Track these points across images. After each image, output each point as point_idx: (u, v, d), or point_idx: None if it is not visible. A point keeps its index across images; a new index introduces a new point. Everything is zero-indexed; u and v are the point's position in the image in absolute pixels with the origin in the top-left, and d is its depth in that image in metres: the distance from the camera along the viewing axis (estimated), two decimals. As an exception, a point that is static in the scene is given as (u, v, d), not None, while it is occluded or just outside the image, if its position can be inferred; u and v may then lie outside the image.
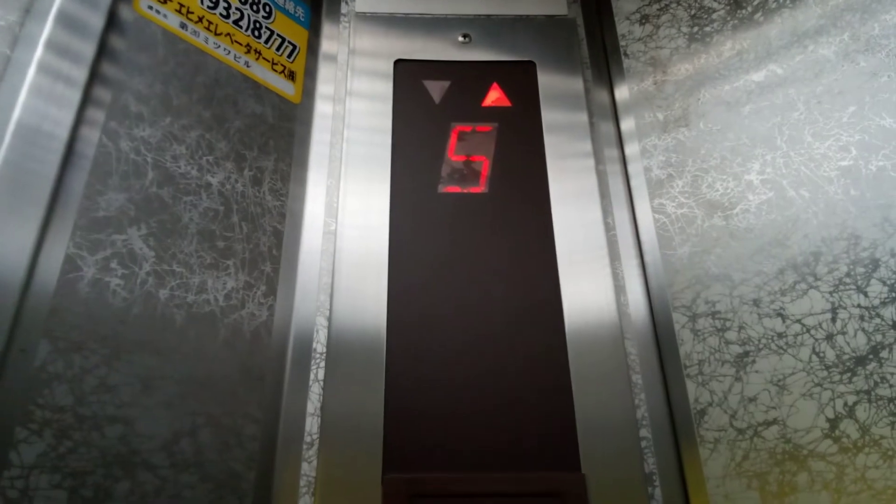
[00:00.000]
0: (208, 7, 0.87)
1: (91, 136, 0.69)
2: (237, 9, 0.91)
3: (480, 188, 0.92)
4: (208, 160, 0.79)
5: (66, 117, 0.67)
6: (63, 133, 0.66)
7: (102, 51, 0.73)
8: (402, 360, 0.78)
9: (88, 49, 0.71)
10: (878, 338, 0.67)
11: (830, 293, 0.71)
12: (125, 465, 0.61)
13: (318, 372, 0.78)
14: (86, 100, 0.70)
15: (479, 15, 1.07)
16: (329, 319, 0.81)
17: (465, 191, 0.91)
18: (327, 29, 1.05)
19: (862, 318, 0.69)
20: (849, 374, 0.68)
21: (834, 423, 0.67)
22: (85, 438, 0.59)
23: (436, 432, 0.74)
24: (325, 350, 0.79)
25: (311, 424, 0.75)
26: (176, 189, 0.75)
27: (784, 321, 0.73)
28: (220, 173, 0.80)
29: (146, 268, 0.69)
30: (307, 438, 0.74)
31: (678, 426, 0.76)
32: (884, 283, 0.68)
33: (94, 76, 0.71)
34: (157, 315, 0.68)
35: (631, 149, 0.95)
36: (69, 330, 0.61)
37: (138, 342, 0.66)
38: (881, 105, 0.74)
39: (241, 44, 0.90)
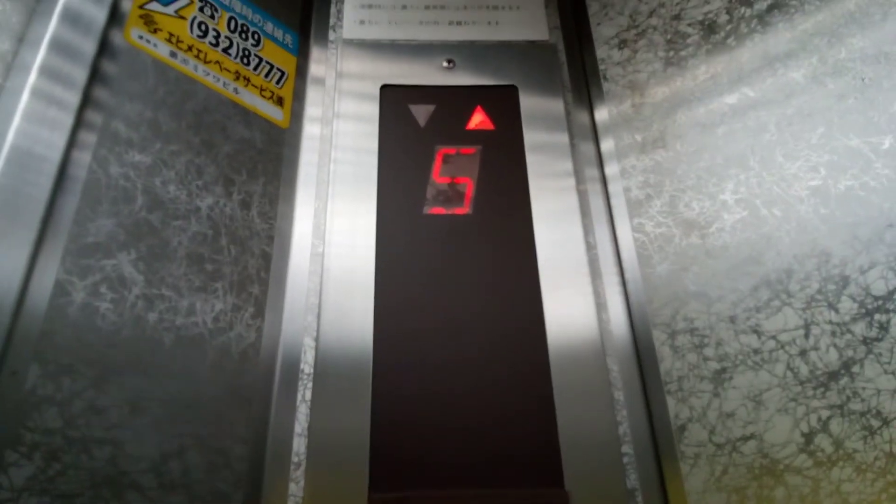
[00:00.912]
0: (198, 36, 0.89)
1: (82, 160, 0.71)
2: (226, 37, 0.93)
3: (465, 209, 0.94)
4: (197, 185, 0.81)
5: (59, 141, 0.69)
6: (55, 156, 0.68)
7: (94, 77, 0.75)
8: (389, 379, 0.80)
9: (80, 75, 0.73)
10: (850, 353, 0.69)
11: (803, 310, 0.73)
12: (114, 487, 0.62)
13: (305, 392, 0.79)
14: (78, 124, 0.72)
15: (463, 41, 1.10)
16: (316, 340, 0.82)
17: (450, 212, 0.93)
18: (315, 54, 1.08)
19: (833, 333, 0.71)
20: (822, 389, 0.69)
21: (809, 437, 0.69)
22: (74, 461, 0.60)
23: (421, 450, 0.76)
24: (312, 370, 0.80)
25: (299, 444, 0.76)
26: (165, 214, 0.76)
27: (759, 337, 0.75)
28: (208, 198, 0.81)
29: (135, 291, 0.70)
30: (294, 458, 0.75)
31: (659, 442, 0.78)
32: (853, 300, 0.70)
33: (86, 102, 0.73)
34: (146, 338, 0.70)
35: (611, 169, 0.97)
36: (59, 353, 0.62)
37: (127, 364, 0.67)
38: (848, 126, 0.77)
39: (230, 71, 0.92)
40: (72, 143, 0.71)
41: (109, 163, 0.73)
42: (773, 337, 0.74)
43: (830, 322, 0.71)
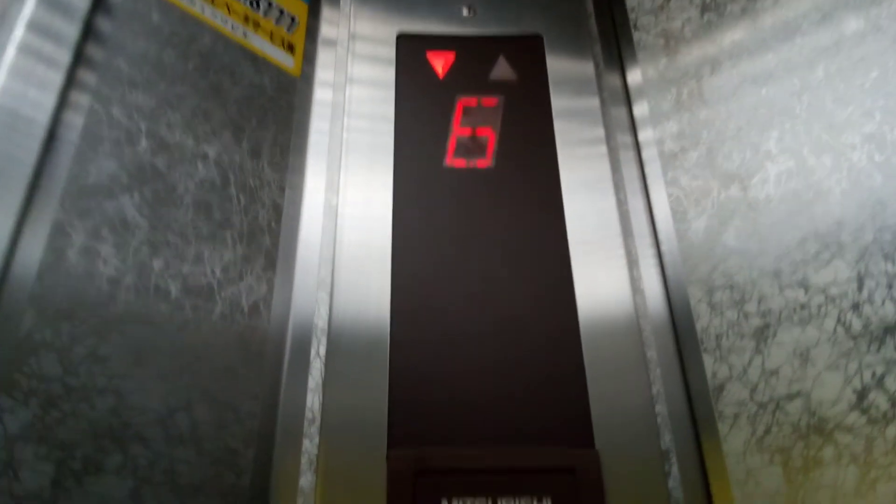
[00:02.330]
0: (205, -25, 0.84)
1: (82, 101, 0.67)
2: (235, -22, 0.88)
3: (487, 162, 0.89)
4: (204, 130, 0.76)
5: (56, 78, 0.64)
6: (52, 96, 0.64)
7: (95, 11, 0.70)
8: (408, 334, 0.75)
9: (80, 9, 0.68)
10: (908, 305, 0.64)
11: (856, 262, 0.68)
12: (116, 438, 0.58)
13: (319, 347, 0.75)
14: (77, 63, 0.67)
15: (485, -13, 1.04)
16: (331, 294, 0.77)
17: (471, 165, 0.88)
18: (327, 2, 1.02)
19: (890, 286, 0.65)
20: (877, 344, 0.64)
21: (861, 394, 0.63)
22: (74, 409, 0.56)
23: (443, 407, 0.71)
24: (327, 325, 0.76)
25: (313, 400, 0.72)
26: (171, 158, 0.72)
27: (807, 291, 0.69)
28: (216, 143, 0.77)
29: (139, 236, 0.66)
30: (308, 415, 0.71)
31: (695, 402, 0.73)
32: (913, 249, 0.65)
33: (87, 37, 0.68)
34: (151, 285, 0.65)
35: (642, 121, 0.92)
36: (57, 298, 0.58)
37: (131, 312, 0.63)
38: (906, 66, 0.71)
39: (238, 13, 0.87)
40: (70, 83, 0.66)
41: (112, 102, 0.68)
42: (823, 291, 0.68)
43: (886, 273, 0.66)
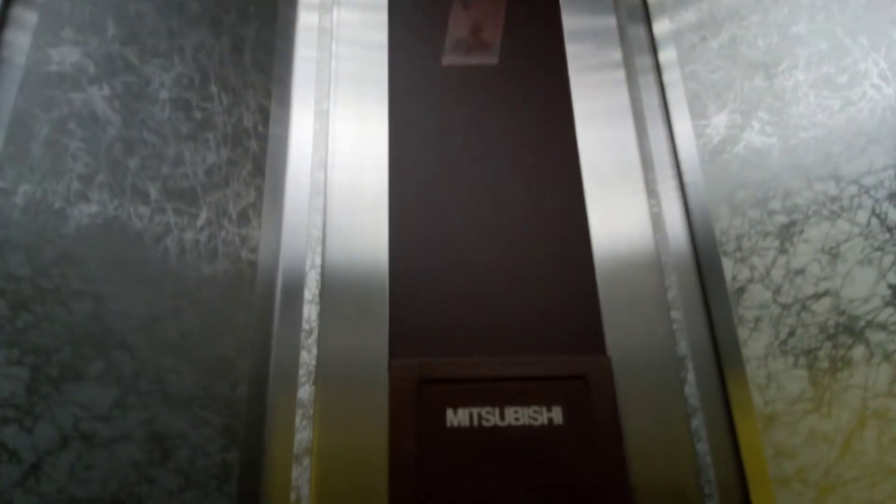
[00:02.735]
0: None
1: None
2: None
3: (490, 59, 0.82)
4: (179, 21, 0.69)
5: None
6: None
7: None
8: (409, 236, 0.71)
9: None
10: (951, 193, 0.59)
11: (894, 148, 0.62)
12: (97, 345, 0.54)
13: (314, 257, 0.70)
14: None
15: None
16: (325, 197, 0.72)
17: (473, 63, 0.81)
18: None
19: (933, 171, 0.60)
20: (914, 236, 0.59)
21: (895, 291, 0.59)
22: (47, 313, 0.52)
23: (446, 313, 0.67)
24: (322, 233, 0.71)
25: (310, 311, 0.68)
26: (142, 50, 0.65)
27: (838, 183, 0.64)
28: (192, 36, 0.70)
29: (111, 132, 0.60)
30: (305, 326, 0.67)
31: (713, 306, 0.69)
32: (959, 131, 0.59)
33: None
34: (127, 185, 0.60)
35: (660, 25, 0.84)
36: (21, 195, 0.53)
37: (104, 213, 0.58)
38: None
39: None
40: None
41: (72, -16, 0.61)
42: (856, 181, 0.63)
43: (928, 160, 0.60)
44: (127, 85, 0.63)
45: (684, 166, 0.77)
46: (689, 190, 0.76)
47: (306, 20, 0.86)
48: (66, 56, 0.59)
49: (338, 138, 0.76)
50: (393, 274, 0.68)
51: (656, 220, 0.75)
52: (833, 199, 0.64)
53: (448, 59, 0.81)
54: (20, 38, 0.57)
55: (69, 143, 0.57)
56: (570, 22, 0.87)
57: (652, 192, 0.76)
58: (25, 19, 0.57)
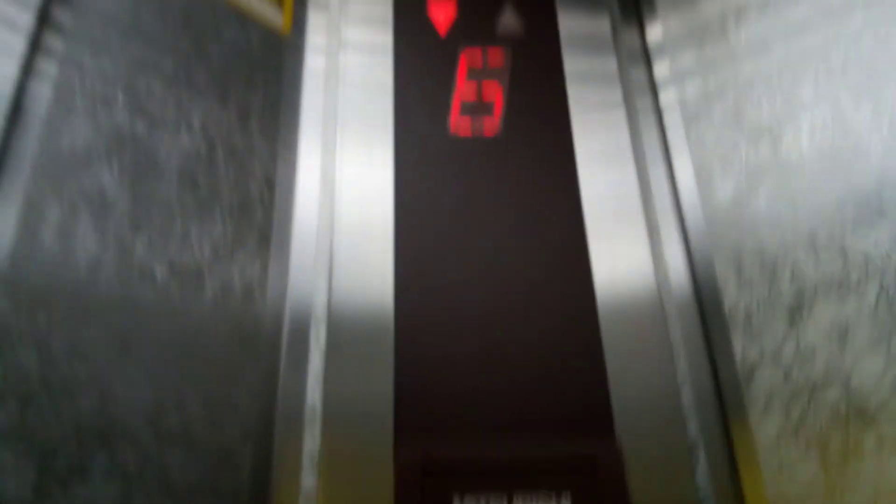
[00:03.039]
0: (182, -80, 0.76)
1: (48, 68, 0.60)
2: (216, -76, 0.80)
3: (494, 129, 0.82)
4: (188, 94, 0.69)
5: (19, 44, 0.57)
6: (13, 65, 0.57)
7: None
8: (414, 318, 0.70)
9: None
10: (961, 279, 0.59)
11: (902, 228, 0.62)
12: (102, 438, 0.53)
13: (318, 334, 0.70)
14: (44, 22, 0.60)
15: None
16: (330, 274, 0.72)
17: (477, 132, 0.82)
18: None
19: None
20: (924, 319, 0.59)
21: (907, 376, 0.59)
22: (54, 407, 0.51)
23: (451, 394, 0.67)
24: (326, 310, 0.70)
25: (314, 393, 0.67)
26: (151, 124, 0.65)
27: (845, 261, 0.64)
28: (200, 108, 0.70)
29: (119, 212, 0.60)
30: (309, 409, 0.66)
31: (723, 387, 0.69)
32: (967, 218, 0.59)
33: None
34: (134, 266, 0.60)
35: (661, 69, 0.85)
36: (32, 284, 0.53)
37: (112, 298, 0.57)
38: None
39: (221, -36, 0.79)
40: (36, 44, 0.59)
41: (83, 66, 0.61)
42: (863, 259, 0.63)
43: (937, 243, 0.60)
44: (135, 161, 0.63)
45: (690, 229, 0.77)
46: (697, 258, 0.76)
47: (313, 64, 0.87)
48: (77, 137, 0.59)
49: (344, 186, 0.76)
50: (398, 357, 0.68)
51: (664, 289, 0.75)
52: (841, 278, 0.64)
53: (454, 128, 0.81)
54: (31, 124, 0.57)
55: (78, 227, 0.57)
56: (571, 64, 0.87)
57: (660, 264, 0.76)
58: (37, 104, 0.58)
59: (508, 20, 0.89)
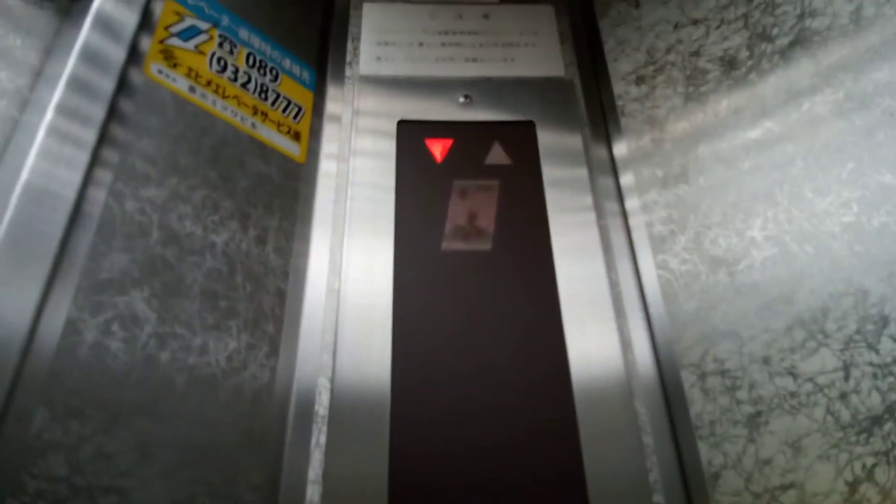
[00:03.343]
0: (216, 71, 0.89)
1: (97, 196, 0.70)
2: (245, 72, 0.93)
3: (483, 246, 0.92)
4: (213, 220, 0.79)
5: (74, 178, 0.68)
6: (70, 194, 0.67)
7: (112, 113, 0.74)
8: (407, 423, 0.77)
9: (98, 112, 0.72)
10: (893, 396, 0.66)
11: (841, 350, 0.70)
12: (119, 539, 0.58)
13: (319, 436, 0.76)
14: (94, 161, 0.71)
15: (480, 77, 1.10)
16: (332, 380, 0.79)
17: (469, 249, 0.92)
18: (332, 91, 1.08)
19: (875, 375, 0.67)
20: (865, 435, 0.66)
21: (853, 486, 0.65)
22: (79, 510, 0.57)
23: (443, 497, 0.72)
24: (327, 413, 0.77)
25: (313, 492, 0.72)
26: (180, 249, 0.75)
27: (796, 380, 0.71)
28: (224, 233, 0.80)
29: (148, 330, 0.68)
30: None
31: (692, 490, 0.74)
32: (895, 341, 0.67)
33: (103, 138, 0.72)
34: (158, 378, 0.67)
35: (631, 204, 0.95)
36: (68, 395, 0.60)
37: (137, 407, 0.64)
38: (880, 162, 0.75)
39: (248, 106, 0.91)
40: (87, 180, 0.69)
41: (125, 197, 0.72)
42: (811, 379, 0.71)
43: (871, 364, 0.68)
44: (164, 284, 0.71)
45: (658, 339, 0.85)
46: (665, 367, 0.83)
47: (327, 167, 0.99)
48: (116, 263, 0.68)
49: (350, 292, 0.85)
50: (392, 457, 0.74)
51: (637, 394, 0.82)
52: (793, 395, 0.71)
53: (447, 245, 0.91)
54: (77, 253, 0.66)
55: (111, 343, 0.64)
56: (550, 184, 0.98)
57: (632, 369, 0.83)
58: (82, 238, 0.67)
59: (496, 153, 1.02)
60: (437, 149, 1.01)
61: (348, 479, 0.72)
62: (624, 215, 0.98)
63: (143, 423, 0.64)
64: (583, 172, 1.00)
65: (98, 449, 0.60)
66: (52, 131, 0.68)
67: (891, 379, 0.67)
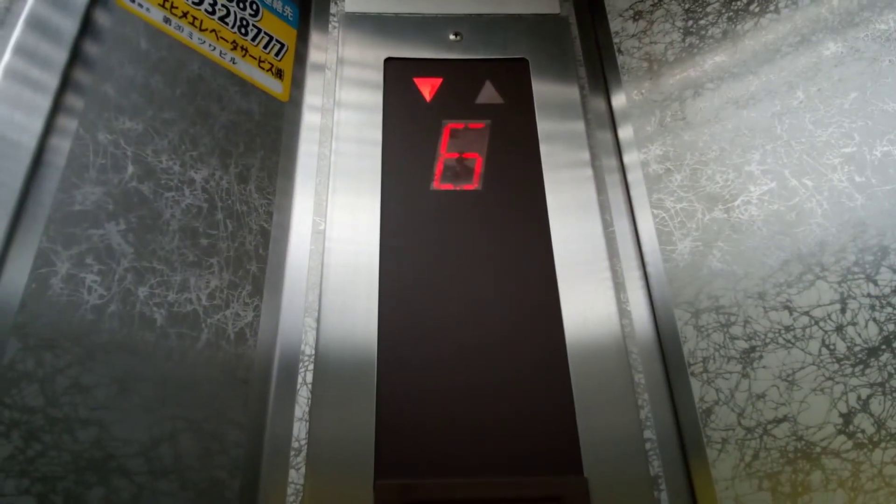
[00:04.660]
0: (193, 3, 0.85)
1: (68, 126, 0.67)
2: (223, 5, 0.89)
3: (474, 185, 0.89)
4: (192, 155, 0.76)
5: (43, 103, 0.64)
6: (38, 122, 0.64)
7: (83, 38, 0.71)
8: (395, 362, 0.75)
9: (68, 34, 0.69)
10: (891, 327, 0.65)
11: (839, 283, 0.68)
12: (99, 471, 0.57)
13: (306, 375, 0.75)
14: (63, 88, 0.67)
15: (471, 14, 1.05)
16: (318, 320, 0.77)
17: (459, 188, 0.89)
18: (316, 29, 1.03)
19: (873, 307, 0.66)
20: (861, 367, 0.65)
21: (847, 417, 0.64)
22: (55, 442, 0.55)
23: (430, 436, 0.71)
24: (313, 352, 0.76)
25: (299, 430, 0.71)
26: (157, 184, 0.72)
27: (791, 314, 0.70)
28: (203, 169, 0.77)
29: (124, 264, 0.66)
30: (294, 444, 0.70)
31: (683, 427, 0.73)
32: (894, 271, 0.66)
33: (74, 64, 0.69)
34: (136, 313, 0.65)
35: (627, 144, 0.93)
36: (40, 327, 0.58)
37: (115, 340, 0.62)
38: (884, 90, 0.72)
39: (226, 40, 0.87)
40: (57, 108, 0.66)
41: (97, 128, 0.68)
42: (807, 313, 0.69)
43: (869, 295, 0.66)
44: (141, 218, 0.69)
45: (652, 281, 0.83)
46: (658, 308, 0.82)
47: (310, 120, 0.95)
48: (89, 196, 0.65)
49: (335, 236, 0.83)
50: (380, 398, 0.72)
51: (628, 336, 0.80)
52: (788, 329, 0.69)
53: (436, 185, 0.88)
54: (48, 180, 0.63)
55: (86, 276, 0.62)
56: (544, 126, 0.95)
57: (624, 312, 0.82)
58: (55, 162, 0.64)
59: (488, 92, 0.98)
60: (427, 88, 0.97)
61: (335, 417, 0.71)
62: (619, 156, 0.95)
63: (122, 358, 0.62)
64: (578, 113, 0.96)
65: (74, 381, 0.58)
66: (20, 50, 0.65)
67: (889, 310, 0.65)
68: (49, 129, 0.65)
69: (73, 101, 0.68)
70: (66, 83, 0.68)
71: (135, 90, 0.74)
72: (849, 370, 0.65)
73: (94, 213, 0.65)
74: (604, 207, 0.90)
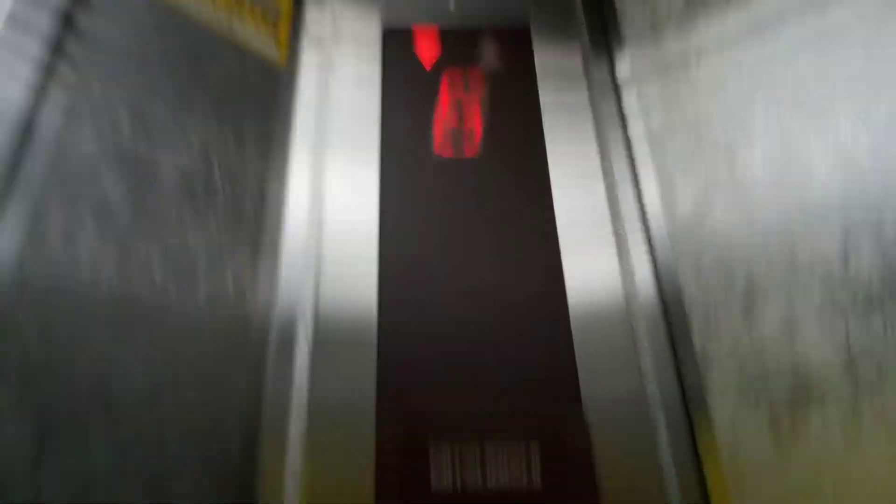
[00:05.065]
0: (190, -33, 0.85)
1: (68, 78, 0.67)
2: (220, -29, 0.89)
3: (474, 151, 0.89)
4: (189, 118, 0.77)
5: (40, 54, 0.64)
6: (34, 77, 0.64)
7: (76, 4, 0.71)
8: (395, 322, 0.76)
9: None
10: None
11: (843, 239, 0.67)
12: (100, 414, 0.58)
13: (307, 330, 0.75)
14: (57, 51, 0.67)
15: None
16: (317, 277, 0.77)
17: (458, 154, 0.88)
18: (314, -5, 1.03)
19: (884, 255, 0.65)
20: (864, 317, 0.64)
21: (849, 365, 0.63)
22: (55, 384, 0.56)
23: (430, 400, 0.71)
24: (313, 310, 0.76)
25: (301, 381, 0.71)
26: (153, 143, 0.72)
27: (794, 268, 0.69)
28: (200, 131, 0.77)
29: (120, 221, 0.66)
30: (296, 397, 0.71)
31: (685, 373, 0.73)
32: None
33: (67, 28, 0.69)
34: (134, 266, 0.65)
35: (629, 96, 0.92)
36: (36, 278, 0.58)
37: (112, 294, 0.63)
38: (892, 50, 0.71)
39: (223, 6, 0.87)
40: (53, 69, 0.66)
41: (94, 90, 0.69)
42: (810, 262, 0.68)
43: (874, 249, 0.65)
44: (138, 178, 0.69)
45: (655, 236, 0.83)
46: (660, 261, 0.81)
47: (307, 92, 0.94)
48: (85, 155, 0.65)
49: (333, 201, 0.82)
50: (380, 362, 0.73)
51: (629, 290, 0.79)
52: (790, 282, 0.69)
53: (438, 150, 0.88)
54: (43, 140, 0.63)
55: (83, 233, 0.62)
56: (546, 92, 0.94)
57: (626, 267, 0.81)
58: (50, 122, 0.64)
59: (489, 59, 0.98)
60: (426, 55, 0.97)
61: (336, 372, 0.71)
62: (621, 113, 0.94)
63: (119, 312, 0.63)
64: (579, 76, 0.96)
65: (72, 331, 0.59)
66: (11, 20, 0.65)
67: (893, 261, 0.64)
68: (44, 89, 0.65)
69: (69, 66, 0.68)
70: (59, 49, 0.67)
71: (131, 52, 0.74)
72: (853, 320, 0.64)
73: (91, 172, 0.65)
74: (607, 172, 0.89)
